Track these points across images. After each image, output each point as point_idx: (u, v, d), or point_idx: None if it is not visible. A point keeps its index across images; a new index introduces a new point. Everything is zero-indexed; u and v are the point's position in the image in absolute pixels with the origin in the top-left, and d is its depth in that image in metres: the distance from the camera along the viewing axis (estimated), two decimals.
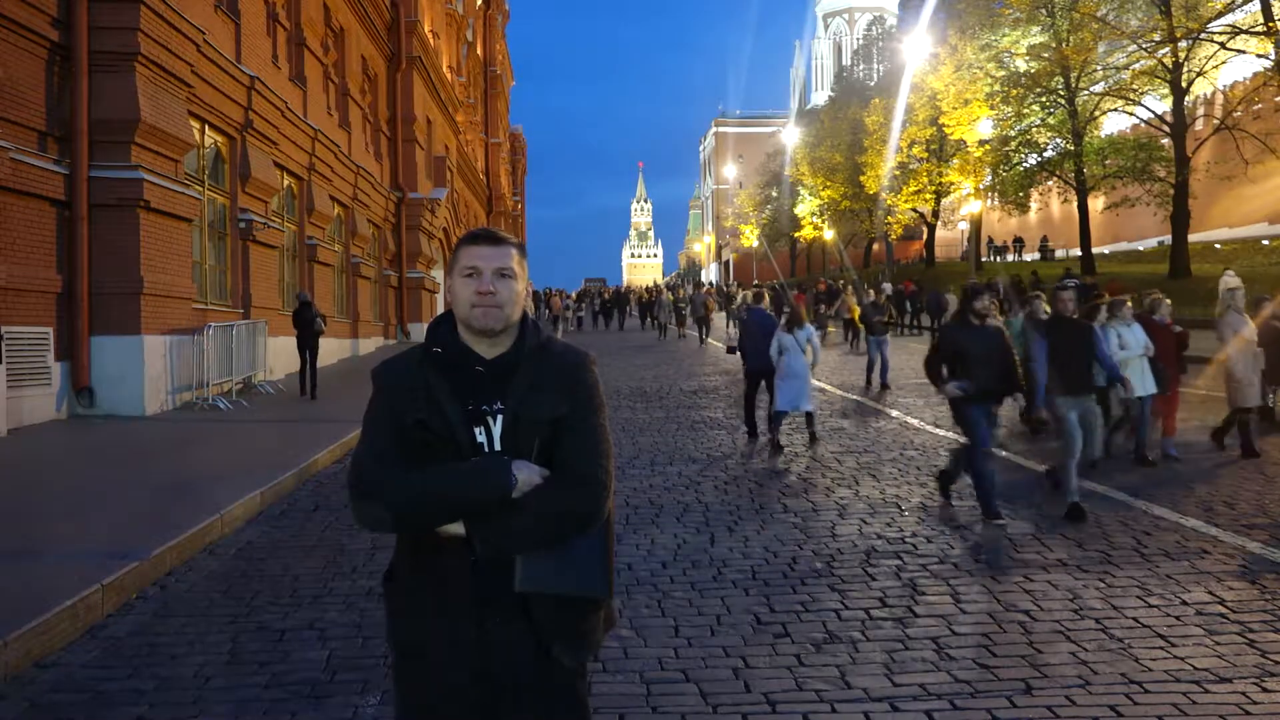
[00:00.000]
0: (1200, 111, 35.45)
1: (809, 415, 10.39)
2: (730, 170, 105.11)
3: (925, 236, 51.00)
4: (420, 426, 1.96)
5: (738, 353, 20.39)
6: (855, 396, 14.08)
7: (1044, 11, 31.04)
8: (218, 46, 13.71)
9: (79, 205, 10.79)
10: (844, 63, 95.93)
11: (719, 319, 38.81)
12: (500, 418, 1.97)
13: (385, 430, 1.98)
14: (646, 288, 59.09)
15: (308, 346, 14.16)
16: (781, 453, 9.63)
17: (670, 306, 32.29)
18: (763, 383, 10.56)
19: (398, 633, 2.06)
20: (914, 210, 46.58)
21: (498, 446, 1.97)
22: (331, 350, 20.25)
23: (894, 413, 12.19)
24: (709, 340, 29.48)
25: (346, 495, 2.01)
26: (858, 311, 22.72)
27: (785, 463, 8.92)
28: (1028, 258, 48.58)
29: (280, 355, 16.52)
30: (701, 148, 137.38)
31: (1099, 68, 31.31)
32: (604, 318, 44.26)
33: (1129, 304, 8.92)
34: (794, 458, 9.19)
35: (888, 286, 28.28)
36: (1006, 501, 6.89)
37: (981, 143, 33.82)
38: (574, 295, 49.99)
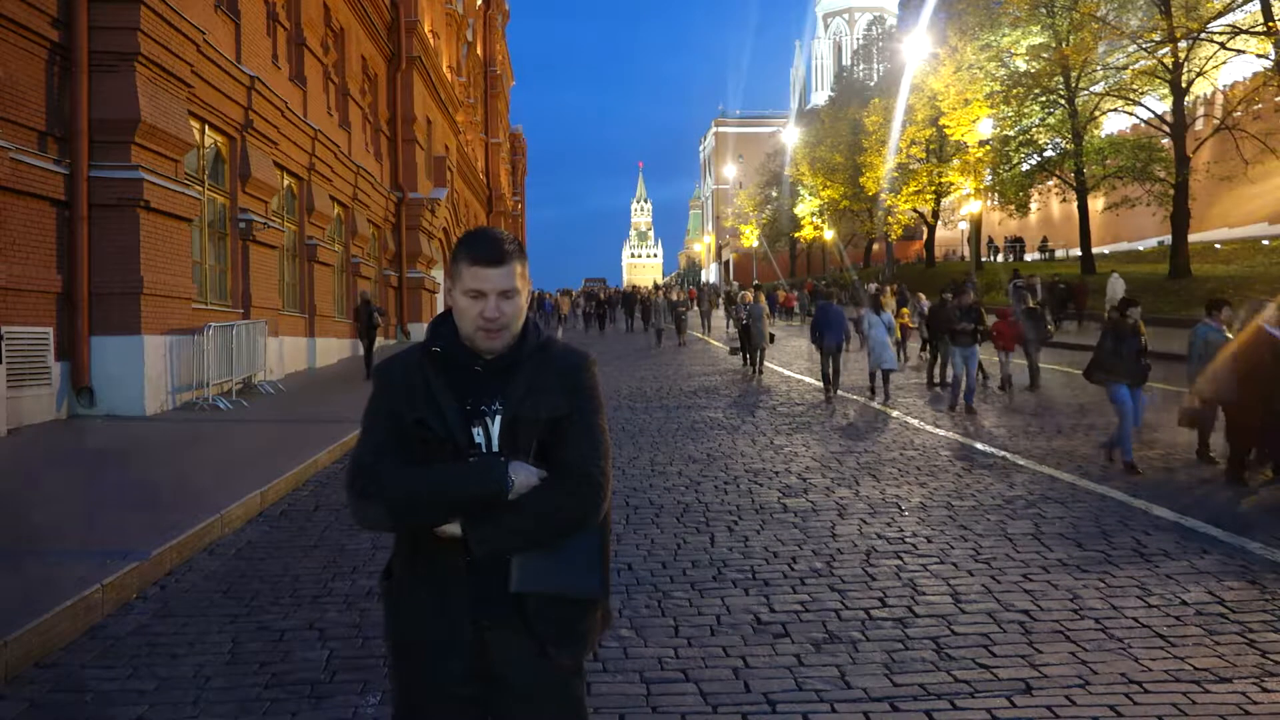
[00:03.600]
0: (1200, 111, 35.43)
1: (887, 374, 13.85)
2: (730, 170, 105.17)
3: (925, 237, 51.02)
4: (419, 425, 1.96)
5: (740, 354, 20.52)
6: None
7: (1044, 11, 31.05)
8: (218, 46, 13.71)
9: (79, 205, 10.79)
10: (844, 63, 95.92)
11: (718, 320, 38.62)
12: (499, 417, 1.97)
13: (384, 428, 1.98)
14: (653, 289, 57.29)
15: (366, 337, 17.25)
16: (875, 398, 13.63)
17: (665, 309, 28.19)
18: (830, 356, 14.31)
19: (395, 631, 2.07)
20: (914, 210, 46.61)
21: (495, 446, 1.96)
22: (331, 350, 20.28)
23: (894, 412, 12.19)
24: (707, 338, 29.51)
25: (344, 492, 2.01)
26: (907, 316, 20.37)
27: (785, 462, 8.91)
28: (1029, 258, 48.62)
29: (280, 355, 16.53)
30: (701, 148, 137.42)
31: (1099, 68, 31.33)
32: (598, 321, 38.66)
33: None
34: (793, 457, 9.19)
35: (873, 287, 28.24)
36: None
37: (982, 143, 33.83)
38: (579, 294, 49.46)
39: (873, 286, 28.97)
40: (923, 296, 17.69)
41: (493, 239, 1.99)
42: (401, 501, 1.91)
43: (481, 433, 1.97)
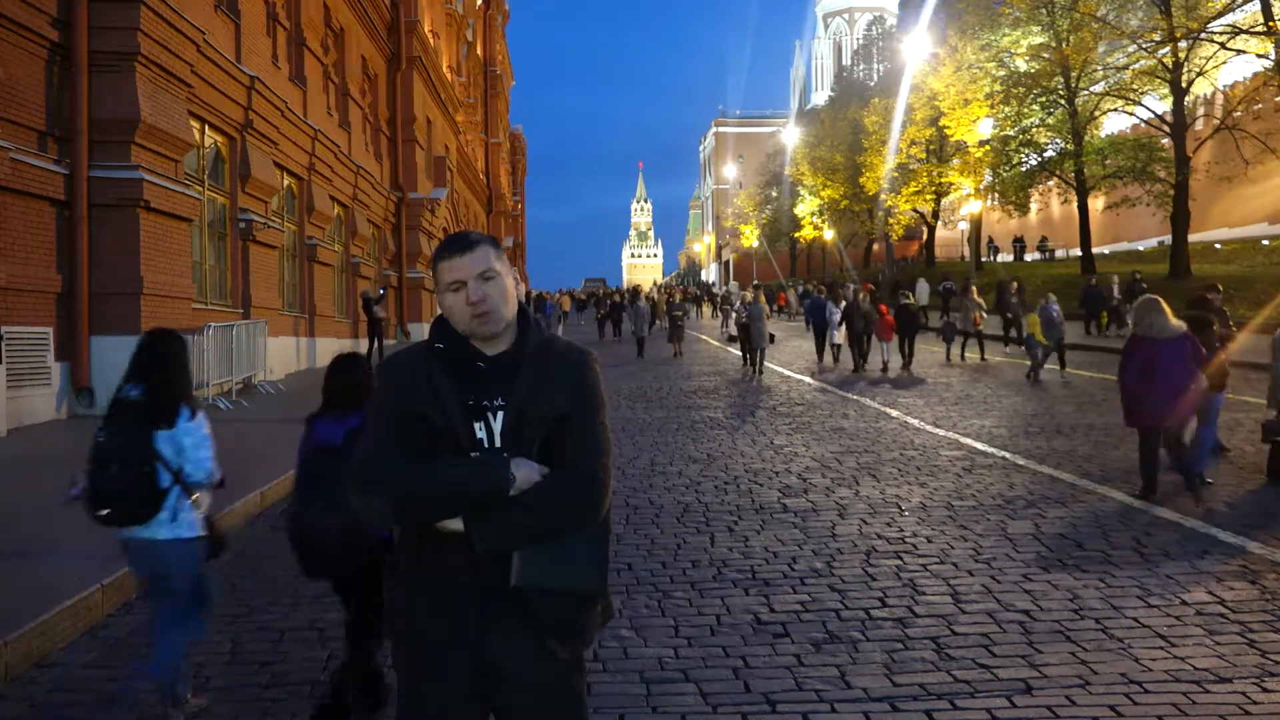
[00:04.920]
0: (1200, 111, 35.40)
1: (836, 347, 18.98)
2: (730, 170, 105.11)
3: (925, 237, 51.02)
4: (421, 421, 1.97)
5: (741, 352, 20.89)
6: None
7: (1044, 11, 31.03)
8: (218, 46, 13.72)
9: (79, 205, 10.79)
10: (844, 63, 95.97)
11: (712, 321, 38.49)
12: (502, 414, 1.98)
13: (387, 424, 2.00)
14: (660, 289, 55.80)
15: (373, 332, 18.61)
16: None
17: (647, 314, 24.38)
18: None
19: (399, 625, 2.09)
20: (914, 210, 46.63)
21: (498, 443, 1.98)
22: (331, 350, 20.26)
23: (894, 413, 12.19)
24: (706, 337, 29.50)
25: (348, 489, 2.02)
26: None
27: (785, 462, 8.91)
28: (1029, 258, 48.64)
29: (280, 355, 16.53)
30: (701, 148, 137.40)
31: (1099, 68, 31.30)
32: (613, 326, 32.72)
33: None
34: (793, 457, 9.19)
35: (852, 287, 28.02)
36: None
37: (982, 143, 33.83)
38: (582, 293, 49.20)
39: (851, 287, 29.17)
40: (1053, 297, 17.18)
41: (458, 234, 2.07)
42: (404, 497, 1.93)
43: (484, 429, 1.98)
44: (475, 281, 1.97)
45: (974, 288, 19.69)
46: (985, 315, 19.77)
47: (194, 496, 3.76)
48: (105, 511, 3.59)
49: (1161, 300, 7.20)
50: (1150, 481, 7.11)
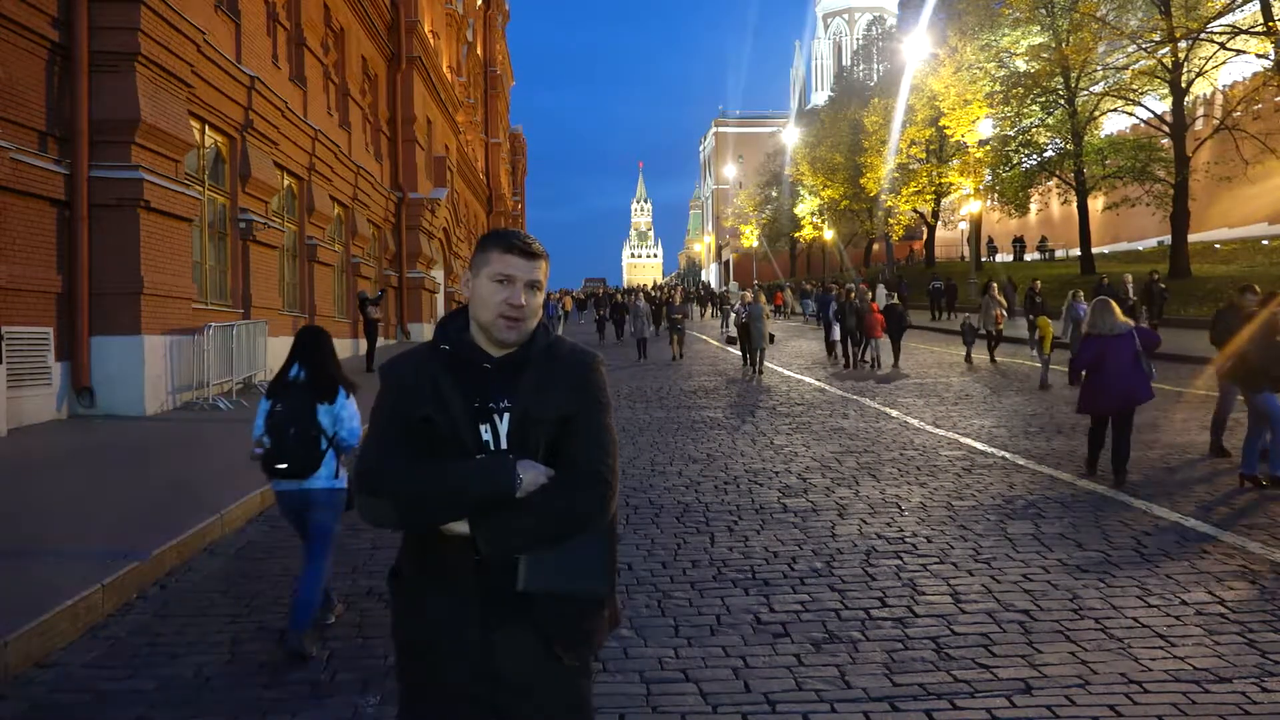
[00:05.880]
0: (1200, 111, 35.41)
1: (832, 343, 20.15)
2: (730, 170, 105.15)
3: (925, 237, 51.06)
4: (426, 423, 1.96)
5: (741, 351, 21.03)
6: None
7: (1044, 11, 31.06)
8: (218, 46, 13.71)
9: (79, 205, 10.79)
10: (844, 63, 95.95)
11: (712, 321, 38.44)
12: (507, 416, 1.97)
13: (391, 426, 1.98)
14: (660, 288, 55.93)
15: (369, 332, 18.43)
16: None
17: (647, 315, 23.43)
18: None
19: (402, 630, 2.07)
20: (914, 210, 46.66)
21: (504, 445, 1.96)
22: None
23: (894, 413, 12.19)
24: (705, 337, 29.47)
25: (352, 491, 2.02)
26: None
27: (785, 462, 8.92)
28: (1029, 258, 48.66)
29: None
30: (701, 148, 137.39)
31: (1099, 68, 31.34)
32: (615, 326, 31.73)
33: None
34: (793, 457, 9.19)
35: (850, 286, 27.66)
36: None
37: (981, 143, 33.85)
38: (581, 294, 49.30)
39: (849, 287, 29.22)
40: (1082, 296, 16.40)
41: (526, 235, 2.05)
42: (409, 500, 1.91)
43: (489, 431, 1.97)
44: (523, 286, 1.98)
45: (994, 285, 19.00)
46: (1006, 315, 19.20)
47: (343, 458, 4.57)
48: (283, 466, 4.42)
49: (1112, 301, 8.02)
50: (1093, 461, 8.12)
